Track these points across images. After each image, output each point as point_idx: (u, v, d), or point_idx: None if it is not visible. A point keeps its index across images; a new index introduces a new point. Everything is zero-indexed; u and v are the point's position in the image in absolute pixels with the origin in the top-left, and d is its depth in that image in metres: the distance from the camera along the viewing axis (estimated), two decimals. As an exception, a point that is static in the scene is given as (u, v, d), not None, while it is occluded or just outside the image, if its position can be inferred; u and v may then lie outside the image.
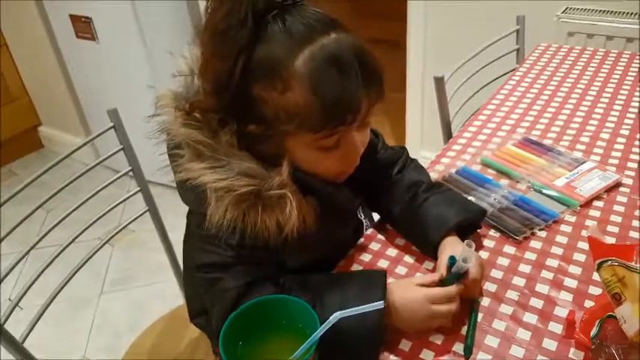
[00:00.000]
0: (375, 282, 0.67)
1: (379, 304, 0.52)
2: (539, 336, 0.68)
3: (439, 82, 1.19)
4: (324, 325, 0.52)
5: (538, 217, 0.87)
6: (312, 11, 0.61)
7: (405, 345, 0.68)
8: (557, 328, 0.69)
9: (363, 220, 0.87)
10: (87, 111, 2.47)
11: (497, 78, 1.48)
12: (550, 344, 0.66)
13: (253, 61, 0.59)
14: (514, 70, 1.42)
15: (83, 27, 2.09)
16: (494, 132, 1.13)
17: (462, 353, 0.66)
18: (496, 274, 0.78)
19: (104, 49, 2.10)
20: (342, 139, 0.64)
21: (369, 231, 0.88)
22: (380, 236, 0.86)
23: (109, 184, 1.07)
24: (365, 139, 0.69)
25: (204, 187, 0.61)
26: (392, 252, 0.83)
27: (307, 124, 0.60)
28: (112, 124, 1.11)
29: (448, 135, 1.29)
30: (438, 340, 0.68)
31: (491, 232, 0.86)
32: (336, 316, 0.51)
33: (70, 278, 1.00)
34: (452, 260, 0.69)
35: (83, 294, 1.86)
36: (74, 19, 2.09)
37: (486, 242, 0.84)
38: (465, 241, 0.69)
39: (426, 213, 0.79)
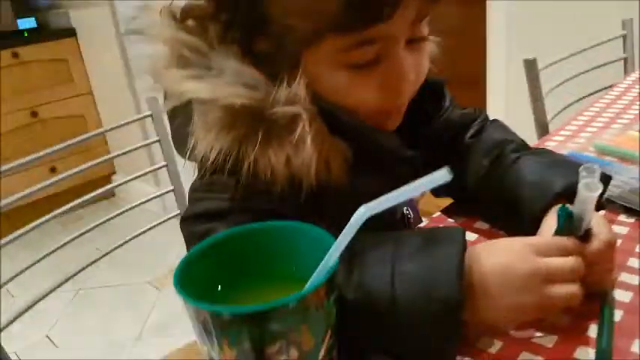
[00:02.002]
0: (449, 235, 0.42)
1: (445, 175, 0.28)
2: None
3: (530, 65, 0.95)
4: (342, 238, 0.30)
5: (690, 198, 0.59)
6: None
7: (494, 345, 0.42)
8: None
9: (405, 212, 0.64)
10: (157, 159, 2.49)
11: (598, 90, 1.21)
12: None
13: None
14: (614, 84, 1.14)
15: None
16: (610, 123, 0.87)
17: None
18: (634, 263, 0.50)
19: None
20: (383, 53, 0.45)
21: (437, 214, 0.64)
22: (450, 220, 0.62)
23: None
24: (419, 63, 0.49)
25: (188, 103, 0.45)
26: (471, 237, 0.59)
27: (330, 19, 0.42)
28: (149, 113, 1.04)
29: (542, 129, 1.02)
30: (548, 342, 0.41)
31: (621, 217, 0.59)
32: (361, 214, 0.28)
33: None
34: (562, 211, 0.43)
35: (121, 337, 1.71)
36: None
37: (616, 229, 0.57)
38: (582, 166, 0.42)
39: (517, 177, 0.54)
